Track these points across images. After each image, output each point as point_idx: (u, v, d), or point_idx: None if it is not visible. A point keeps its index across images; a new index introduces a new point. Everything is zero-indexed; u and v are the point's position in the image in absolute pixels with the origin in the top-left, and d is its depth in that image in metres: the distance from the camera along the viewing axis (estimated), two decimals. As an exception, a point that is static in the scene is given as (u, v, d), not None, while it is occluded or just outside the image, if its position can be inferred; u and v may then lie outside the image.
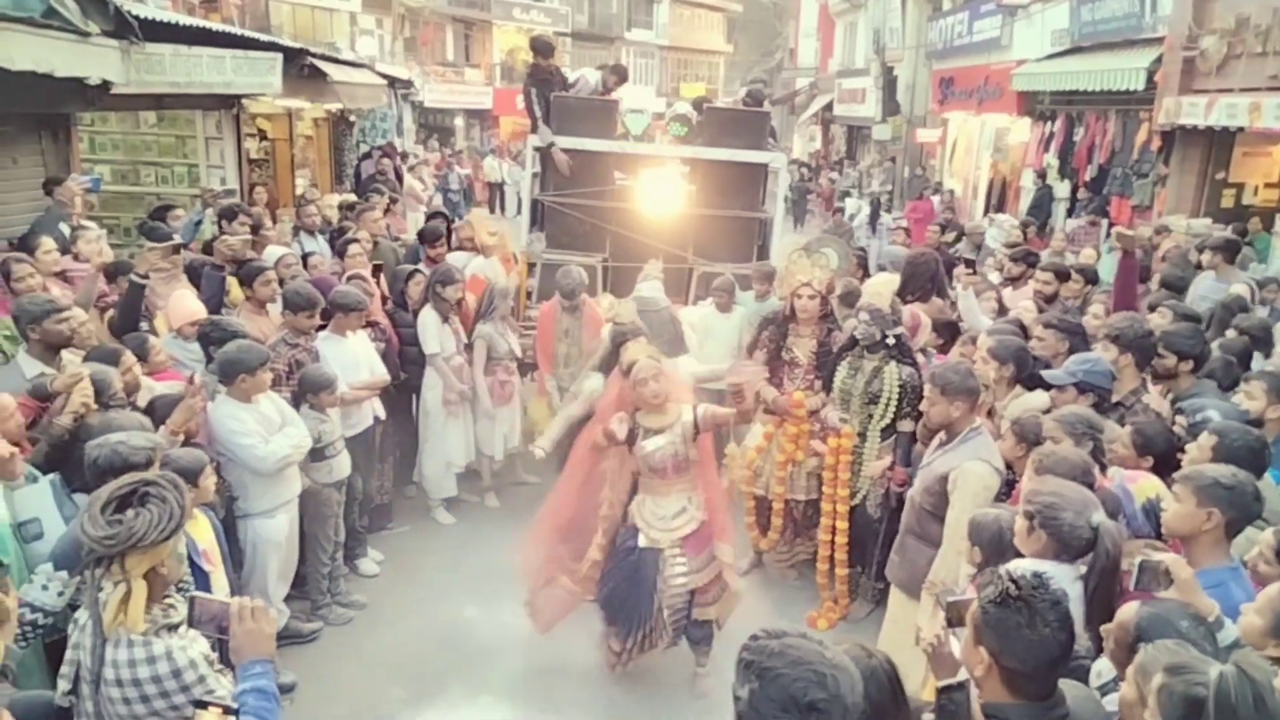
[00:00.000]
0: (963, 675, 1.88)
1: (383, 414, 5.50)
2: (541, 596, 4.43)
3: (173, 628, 2.25)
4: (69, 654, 2.33)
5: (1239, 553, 2.66)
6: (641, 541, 4.14)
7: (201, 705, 1.88)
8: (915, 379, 4.64)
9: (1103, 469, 3.15)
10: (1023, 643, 1.86)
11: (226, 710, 1.85)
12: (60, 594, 2.85)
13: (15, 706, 2.35)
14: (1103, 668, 2.13)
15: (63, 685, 2.32)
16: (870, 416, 4.77)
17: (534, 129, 7.49)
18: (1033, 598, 1.89)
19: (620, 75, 8.07)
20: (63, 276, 5.37)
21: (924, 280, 5.77)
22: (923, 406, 3.95)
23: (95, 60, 6.58)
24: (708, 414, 4.15)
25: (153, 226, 6.82)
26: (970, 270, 6.33)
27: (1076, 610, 2.41)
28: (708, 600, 4.24)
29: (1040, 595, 1.89)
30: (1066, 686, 1.94)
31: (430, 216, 8.00)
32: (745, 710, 1.50)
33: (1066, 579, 2.47)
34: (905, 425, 4.70)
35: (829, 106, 27.43)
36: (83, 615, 2.33)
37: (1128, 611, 2.17)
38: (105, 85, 6.87)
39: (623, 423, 4.06)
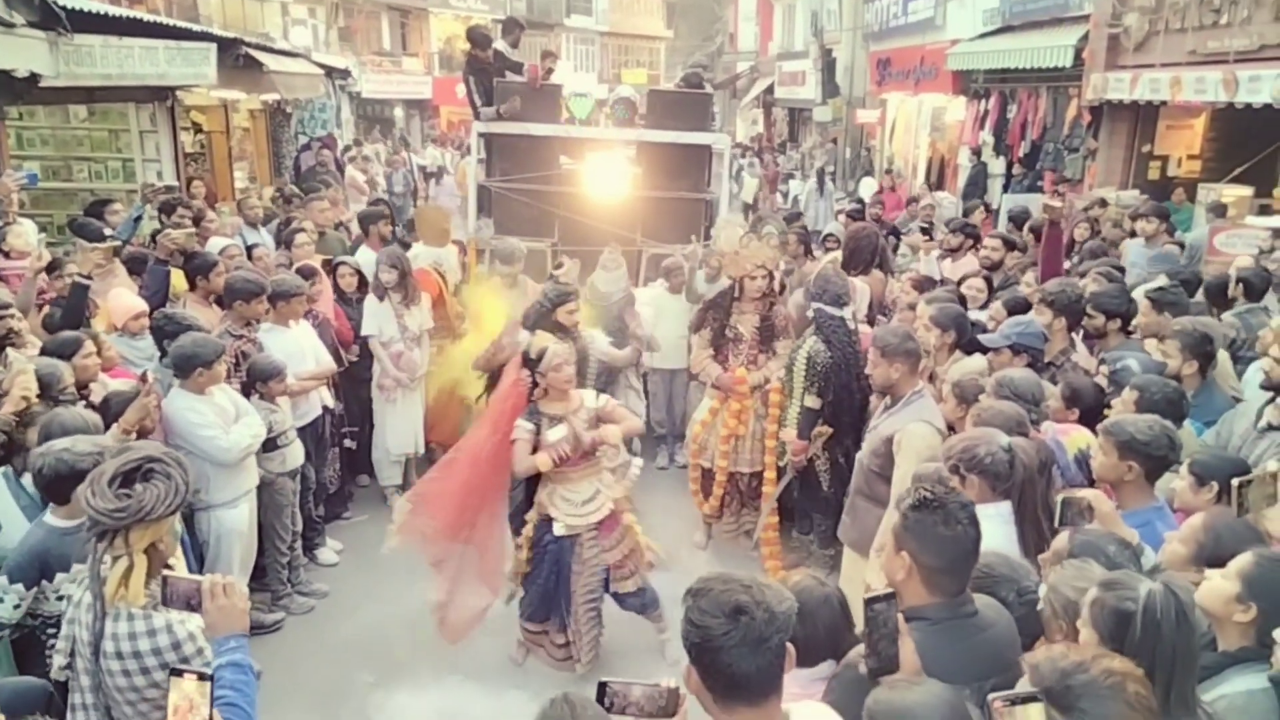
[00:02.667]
0: (889, 589, 2.03)
1: (331, 403, 5.48)
2: (451, 605, 4.29)
3: None
4: (65, 629, 2.36)
5: (1163, 494, 2.87)
6: (558, 530, 4.12)
7: (178, 673, 1.87)
8: (823, 355, 4.73)
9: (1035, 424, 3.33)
10: (939, 540, 2.05)
11: (202, 676, 1.87)
12: (16, 606, 2.83)
13: (3, 691, 2.36)
14: (1044, 593, 2.29)
15: (59, 660, 2.35)
16: (792, 385, 4.91)
17: (476, 118, 7.51)
18: (945, 499, 2.09)
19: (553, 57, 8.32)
20: (-2, 274, 5.27)
21: (865, 254, 6.01)
22: (867, 369, 4.10)
23: (21, 52, 6.43)
24: (609, 408, 4.15)
25: (84, 223, 6.64)
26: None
27: (1014, 546, 2.59)
28: (625, 574, 4.23)
29: (951, 498, 2.11)
30: (977, 597, 2.13)
31: (373, 204, 7.95)
32: (685, 628, 1.65)
33: (1006, 519, 2.64)
34: (809, 400, 4.81)
35: (770, 90, 27.55)
36: (78, 591, 2.34)
37: (1061, 541, 2.37)
38: (33, 78, 6.70)
39: (555, 434, 3.97)
